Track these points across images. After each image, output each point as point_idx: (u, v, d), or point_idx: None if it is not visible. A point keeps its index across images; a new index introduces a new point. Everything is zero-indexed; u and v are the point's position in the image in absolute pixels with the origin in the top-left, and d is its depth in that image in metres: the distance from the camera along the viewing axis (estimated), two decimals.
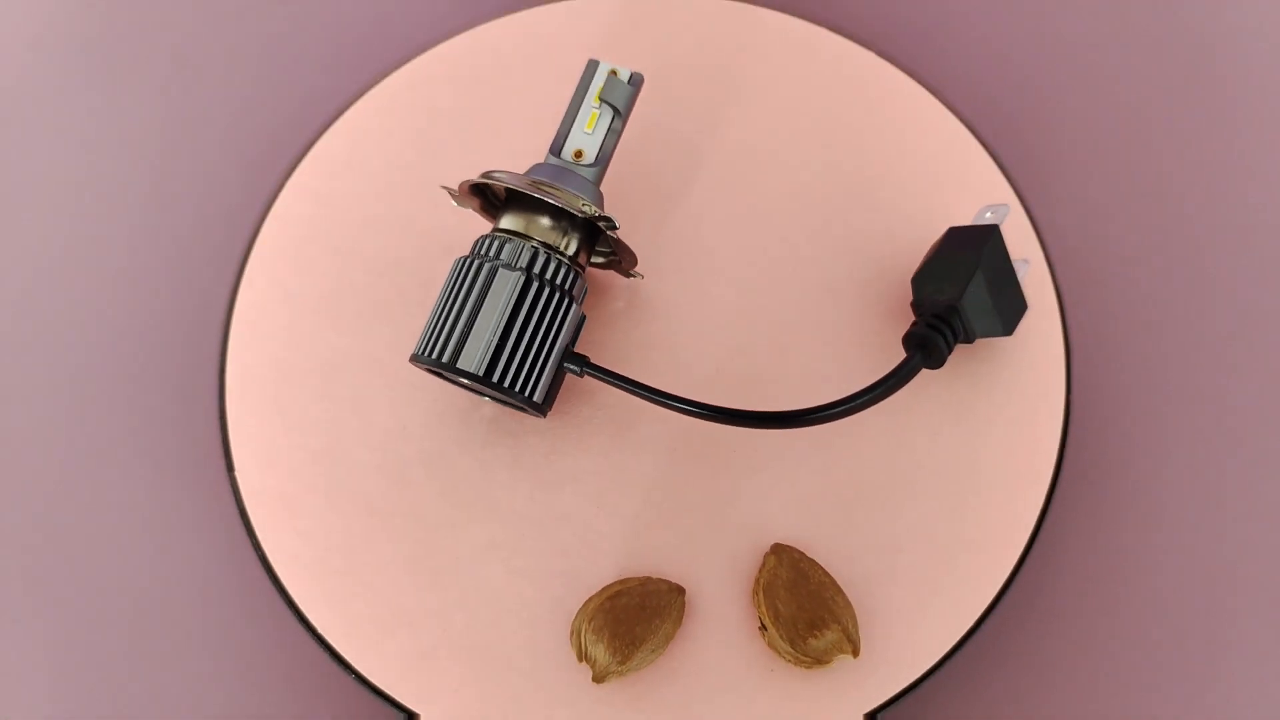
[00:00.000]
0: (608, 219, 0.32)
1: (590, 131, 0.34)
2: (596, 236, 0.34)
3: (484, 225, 0.36)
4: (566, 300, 0.33)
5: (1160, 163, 0.41)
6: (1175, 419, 0.38)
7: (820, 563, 0.33)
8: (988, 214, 0.35)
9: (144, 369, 0.38)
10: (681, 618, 0.33)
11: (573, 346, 0.33)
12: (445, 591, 0.33)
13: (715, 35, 0.39)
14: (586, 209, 0.32)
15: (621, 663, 0.32)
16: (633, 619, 0.32)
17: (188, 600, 0.36)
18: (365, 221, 0.37)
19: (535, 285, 0.32)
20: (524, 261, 0.32)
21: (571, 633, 0.33)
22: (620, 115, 0.34)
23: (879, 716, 0.33)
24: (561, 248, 0.33)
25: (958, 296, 0.33)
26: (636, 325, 0.36)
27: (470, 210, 0.35)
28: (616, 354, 0.35)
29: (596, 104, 0.34)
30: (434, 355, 0.32)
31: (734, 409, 0.32)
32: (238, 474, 0.34)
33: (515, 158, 0.37)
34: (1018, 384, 0.35)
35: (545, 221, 0.33)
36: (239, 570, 0.35)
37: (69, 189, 0.40)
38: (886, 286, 0.36)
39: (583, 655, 0.32)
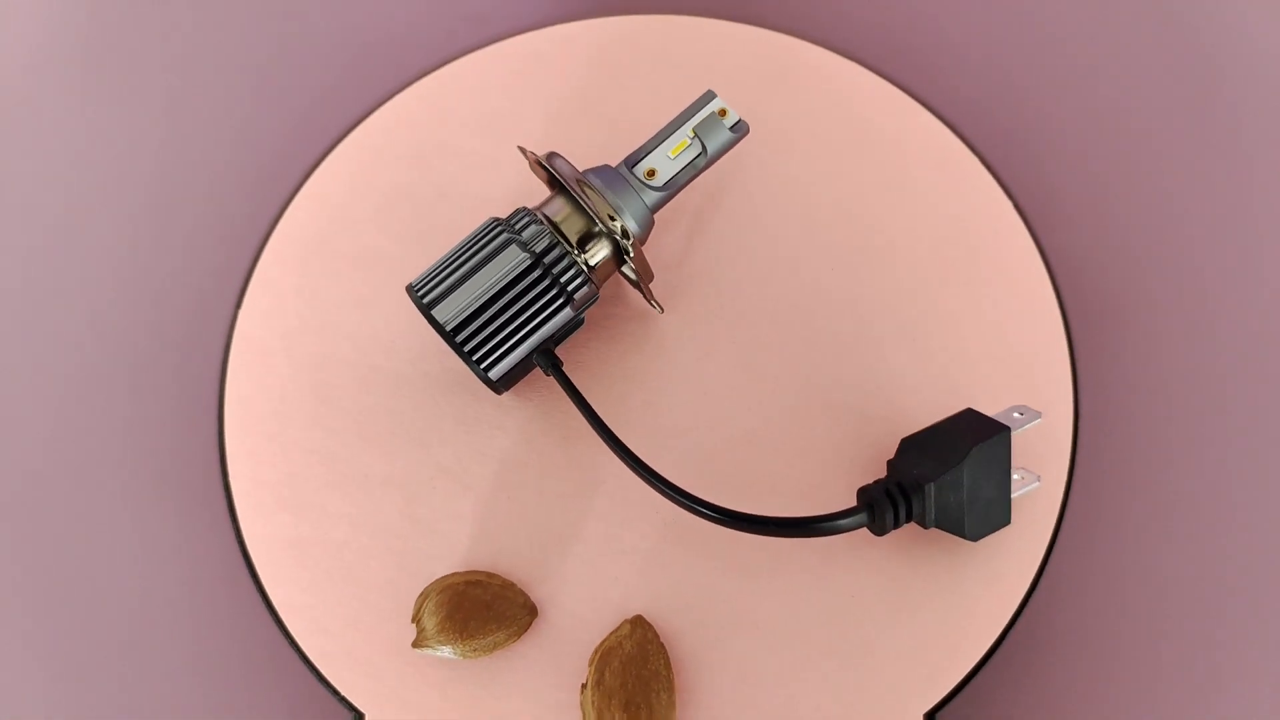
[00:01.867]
0: (626, 242, 0.32)
1: (673, 157, 0.34)
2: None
3: None
4: (562, 299, 0.33)
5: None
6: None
7: (673, 655, 0.32)
8: (1015, 414, 0.32)
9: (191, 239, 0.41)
10: (521, 635, 0.33)
11: (554, 345, 0.34)
12: (342, 501, 0.34)
13: (824, 103, 0.38)
14: (614, 223, 0.32)
15: (442, 644, 0.32)
16: (473, 612, 0.32)
17: (178, 601, 0.38)
18: (454, 151, 0.38)
19: (537, 273, 0.32)
20: (539, 247, 0.33)
21: (421, 595, 0.33)
22: (706, 154, 0.34)
23: None
24: (585, 251, 0.33)
25: (929, 477, 0.31)
26: (633, 352, 0.35)
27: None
28: (601, 371, 0.35)
29: (691, 135, 0.34)
30: (420, 293, 0.33)
31: (651, 469, 0.32)
32: (241, 312, 0.37)
33: (603, 151, 0.37)
34: (960, 597, 0.33)
35: (582, 221, 0.33)
36: (232, 574, 0.37)
37: (107, 141, 0.42)
38: (883, 434, 0.34)
39: (416, 616, 0.33)
